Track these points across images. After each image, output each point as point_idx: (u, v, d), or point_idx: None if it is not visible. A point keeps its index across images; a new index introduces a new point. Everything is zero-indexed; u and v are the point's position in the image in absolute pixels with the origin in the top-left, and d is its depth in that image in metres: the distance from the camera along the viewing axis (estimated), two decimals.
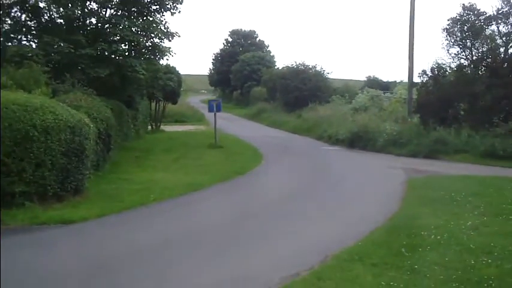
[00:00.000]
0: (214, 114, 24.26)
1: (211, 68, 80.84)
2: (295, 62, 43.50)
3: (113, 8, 20.59)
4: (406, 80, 29.39)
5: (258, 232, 9.79)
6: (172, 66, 32.22)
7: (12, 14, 19.30)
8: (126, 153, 19.62)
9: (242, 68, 63.76)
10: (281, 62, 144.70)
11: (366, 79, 55.60)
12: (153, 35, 20.90)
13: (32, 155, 10.28)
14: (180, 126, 36.13)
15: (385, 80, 54.54)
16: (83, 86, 17.16)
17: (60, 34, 18.65)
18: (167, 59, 24.81)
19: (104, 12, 20.51)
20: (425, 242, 8.48)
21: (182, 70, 47.29)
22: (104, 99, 17.38)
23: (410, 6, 26.78)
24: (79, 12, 19.46)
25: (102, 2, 20.10)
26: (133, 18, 20.46)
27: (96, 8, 20.44)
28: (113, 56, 20.18)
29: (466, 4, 24.53)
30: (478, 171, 17.13)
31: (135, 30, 20.07)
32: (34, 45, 19.20)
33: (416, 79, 26.47)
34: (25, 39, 19.86)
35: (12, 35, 19.24)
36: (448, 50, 24.97)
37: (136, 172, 16.00)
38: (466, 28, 24.26)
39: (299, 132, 32.56)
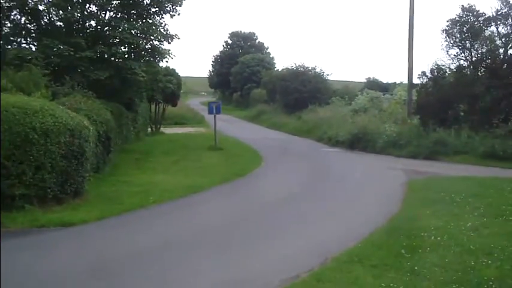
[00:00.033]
0: (214, 116, 24.27)
1: (211, 70, 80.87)
2: (295, 64, 43.52)
3: (112, 11, 20.59)
4: (405, 81, 29.39)
5: (258, 234, 9.79)
6: (172, 69, 32.25)
7: (12, 17, 19.30)
8: (126, 155, 19.61)
9: (242, 70, 63.79)
10: (281, 63, 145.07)
11: (365, 81, 55.69)
12: (152, 38, 20.89)
13: (31, 157, 10.28)
14: (180, 129, 36.10)
15: (384, 81, 54.73)
16: (83, 89, 17.16)
17: (60, 37, 18.65)
18: (167, 61, 24.85)
19: (103, 15, 20.51)
20: (425, 243, 8.48)
21: (182, 72, 47.26)
22: (103, 102, 17.39)
23: (410, 8, 26.77)
24: (78, 15, 19.47)
25: (101, 5, 20.10)
26: (132, 21, 20.45)
27: (96, 11, 20.44)
28: (113, 59, 20.18)
29: (465, 5, 24.56)
30: (478, 172, 17.12)
31: (135, 32, 20.06)
32: (34, 48, 19.19)
33: (415, 80, 26.51)
34: (25, 42, 19.86)
35: (11, 38, 19.23)
36: (447, 51, 25.01)
37: (136, 174, 16.00)
38: (466, 29, 24.26)
39: (299, 134, 32.55)
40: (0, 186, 9.90)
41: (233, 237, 9.59)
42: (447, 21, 24.76)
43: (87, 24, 20.43)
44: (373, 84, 49.00)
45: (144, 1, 21.00)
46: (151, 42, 21.20)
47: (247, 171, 17.76)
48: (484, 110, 21.99)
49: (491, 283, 6.64)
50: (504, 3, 23.68)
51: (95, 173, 13.92)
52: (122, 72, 19.89)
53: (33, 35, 19.74)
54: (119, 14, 20.66)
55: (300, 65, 42.92)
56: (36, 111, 10.54)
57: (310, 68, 42.33)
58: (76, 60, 18.33)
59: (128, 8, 20.57)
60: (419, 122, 24.29)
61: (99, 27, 20.44)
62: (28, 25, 19.78)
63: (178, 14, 21.75)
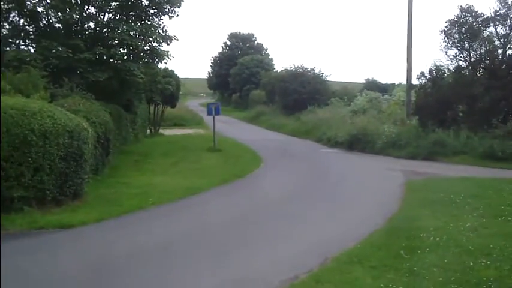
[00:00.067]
0: (213, 118, 24.29)
1: (210, 72, 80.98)
2: (294, 65, 43.63)
3: (111, 12, 20.59)
4: (404, 82, 29.42)
5: (257, 235, 9.79)
6: (171, 70, 32.28)
7: (11, 18, 19.30)
8: (125, 157, 19.61)
9: (241, 71, 63.85)
10: (280, 65, 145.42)
11: (364, 81, 55.73)
12: (151, 39, 20.89)
13: (30, 159, 10.26)
14: (179, 130, 36.10)
15: (383, 82, 54.73)
16: (82, 90, 17.15)
17: (59, 38, 18.64)
18: (165, 63, 24.93)
19: (102, 17, 20.51)
20: (425, 244, 8.47)
21: (181, 74, 47.36)
22: (102, 103, 17.37)
23: (408, 9, 26.83)
24: (77, 16, 19.46)
25: (100, 7, 20.11)
26: (131, 22, 20.44)
27: (94, 13, 20.43)
28: (111, 60, 20.16)
29: (463, 6, 24.54)
30: (476, 173, 17.14)
31: (133, 34, 20.06)
32: (32, 50, 19.18)
33: (414, 81, 26.55)
34: (23, 43, 19.86)
35: (10, 40, 19.23)
36: (446, 52, 24.98)
37: (135, 176, 15.99)
38: (464, 30, 24.25)
39: (298, 135, 32.57)
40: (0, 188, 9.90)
41: (232, 238, 9.58)
42: (446, 22, 24.76)
43: (85, 26, 20.41)
44: (372, 85, 49.04)
45: (143, 3, 21.01)
46: (150, 43, 21.20)
47: (246, 172, 17.76)
48: (483, 110, 22.00)
49: (490, 283, 6.63)
50: (503, 4, 23.71)
51: (94, 174, 13.91)
52: (120, 74, 19.88)
53: (32, 36, 19.74)
54: (118, 15, 20.67)
55: (299, 66, 43.07)
56: (34, 112, 10.52)
57: (309, 69, 42.44)
58: (75, 62, 18.33)
59: (127, 10, 20.57)
60: (418, 122, 24.33)
61: (97, 28, 20.43)
62: (27, 27, 19.78)
63: (177, 15, 21.78)
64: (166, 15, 21.55)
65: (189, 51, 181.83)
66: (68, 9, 19.07)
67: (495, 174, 16.70)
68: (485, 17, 24.09)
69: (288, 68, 44.51)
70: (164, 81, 28.37)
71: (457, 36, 24.49)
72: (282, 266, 7.72)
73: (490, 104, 21.84)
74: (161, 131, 33.88)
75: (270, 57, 70.89)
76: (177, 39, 21.86)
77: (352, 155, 23.74)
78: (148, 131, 32.31)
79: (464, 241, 8.54)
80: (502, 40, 23.93)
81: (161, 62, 22.77)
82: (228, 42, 76.06)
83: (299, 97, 39.54)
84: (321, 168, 19.55)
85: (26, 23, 19.69)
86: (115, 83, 20.15)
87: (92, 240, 9.42)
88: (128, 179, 15.21)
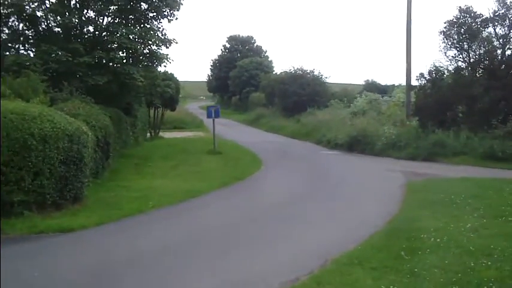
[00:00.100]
0: (213, 120, 24.29)
1: (209, 74, 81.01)
2: (293, 67, 43.60)
3: (110, 16, 20.59)
4: (404, 83, 29.44)
5: (258, 237, 9.79)
6: (171, 73, 32.23)
7: (10, 23, 19.30)
8: (125, 160, 19.60)
9: (240, 73, 63.87)
10: (279, 67, 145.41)
11: (364, 83, 55.89)
12: (150, 42, 20.87)
13: (30, 163, 10.26)
14: (179, 133, 36.11)
15: (383, 83, 54.90)
16: (81, 94, 17.15)
17: (58, 43, 18.64)
18: (165, 66, 24.76)
19: (101, 20, 20.51)
20: (425, 245, 8.47)
21: (180, 77, 47.56)
22: (102, 107, 17.38)
23: (407, 10, 26.83)
24: (76, 20, 19.45)
25: (99, 10, 20.11)
26: (130, 26, 20.43)
27: (94, 16, 20.43)
28: (111, 64, 20.16)
29: (462, 7, 24.57)
30: (477, 174, 17.14)
31: (133, 37, 20.05)
32: (32, 54, 19.17)
33: (414, 82, 26.54)
34: (23, 48, 19.83)
35: (10, 44, 19.21)
36: (445, 53, 25.00)
37: (135, 179, 15.98)
38: (463, 31, 24.27)
39: (298, 137, 32.57)
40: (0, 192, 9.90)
41: (232, 240, 9.58)
42: (445, 23, 24.79)
43: (85, 29, 20.41)
44: (371, 87, 49.13)
45: (142, 6, 21.01)
46: (149, 47, 21.19)
47: (246, 174, 17.75)
48: (483, 111, 22.00)
49: (491, 284, 6.63)
50: (501, 4, 23.72)
51: (94, 178, 13.91)
52: (120, 77, 19.87)
53: (31, 41, 19.73)
54: (117, 19, 20.67)
55: (299, 68, 43.07)
56: (34, 117, 10.53)
57: (308, 71, 42.46)
58: (74, 66, 18.32)
59: (126, 13, 20.57)
60: (418, 123, 24.33)
61: (97, 32, 20.44)
62: (26, 31, 19.77)
63: (176, 18, 21.76)
64: (166, 19, 21.56)
65: (188, 54, 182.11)
66: (67, 13, 19.06)
67: (495, 175, 16.69)
68: (484, 17, 24.12)
69: (288, 70, 44.53)
70: (164, 85, 28.38)
71: (456, 37, 24.52)
72: (283, 268, 7.72)
73: (490, 104, 21.84)
74: (161, 134, 33.85)
75: (269, 59, 71.02)
76: (177, 43, 21.88)
77: (352, 156, 23.73)
78: (148, 134, 32.29)
79: (465, 242, 8.53)
80: (501, 40, 23.94)
81: (161, 65, 22.76)
82: (228, 45, 76.12)
83: (299, 99, 39.55)
84: (321, 170, 19.54)
85: (25, 28, 19.69)
86: (114, 86, 20.14)
87: (92, 244, 9.41)
88: (128, 183, 15.20)
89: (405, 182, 15.87)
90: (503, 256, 7.74)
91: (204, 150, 23.56)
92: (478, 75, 24.06)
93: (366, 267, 7.50)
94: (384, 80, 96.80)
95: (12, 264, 7.82)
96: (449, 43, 24.69)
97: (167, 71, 30.69)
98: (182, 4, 21.47)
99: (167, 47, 21.42)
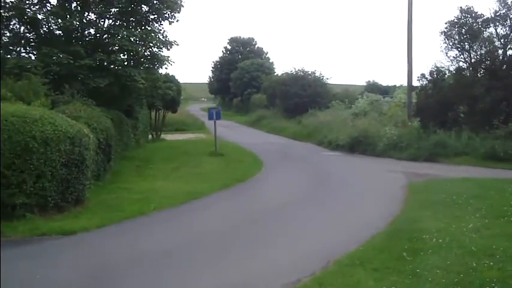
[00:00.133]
0: (214, 122, 24.28)
1: (210, 76, 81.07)
2: (295, 69, 43.60)
3: (111, 19, 20.62)
4: (405, 84, 29.42)
5: (259, 238, 9.79)
6: (172, 75, 32.26)
7: (11, 26, 19.34)
8: (127, 162, 19.61)
9: (241, 75, 63.89)
10: (280, 68, 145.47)
11: (365, 84, 55.87)
12: (151, 44, 20.89)
13: (32, 166, 10.28)
14: (181, 135, 36.11)
15: (384, 84, 54.89)
16: (83, 97, 17.16)
17: (59, 45, 18.66)
18: (166, 68, 24.89)
19: (102, 23, 20.53)
20: (427, 245, 8.46)
21: (182, 79, 47.46)
22: (103, 109, 17.39)
23: (408, 11, 26.85)
24: (77, 23, 19.48)
25: (100, 13, 20.14)
26: (131, 28, 20.46)
27: (95, 19, 20.45)
28: (112, 66, 20.16)
29: (463, 7, 24.57)
30: (478, 174, 17.12)
31: (134, 39, 20.05)
32: (33, 57, 19.17)
33: (415, 83, 26.56)
34: (24, 51, 19.86)
35: (11, 47, 19.25)
36: (446, 53, 24.99)
37: (136, 181, 15.99)
38: (464, 31, 24.26)
39: (299, 138, 32.57)
40: (0, 195, 9.90)
41: (234, 242, 9.59)
42: (446, 23, 24.77)
43: (86, 32, 20.43)
44: (373, 88, 49.12)
45: (143, 8, 21.03)
46: (150, 49, 21.20)
47: (247, 176, 17.75)
48: (484, 111, 21.98)
49: (493, 285, 6.62)
50: (502, 4, 23.71)
51: (96, 180, 13.92)
52: (121, 80, 19.88)
53: (33, 44, 19.76)
54: (118, 21, 20.69)
55: (300, 69, 43.07)
56: (35, 119, 10.55)
57: (309, 72, 42.43)
58: (75, 69, 18.34)
59: (127, 16, 20.60)
60: (419, 124, 24.32)
61: (98, 35, 20.46)
62: (27, 34, 19.79)
63: (177, 20, 21.78)
64: (166, 21, 21.57)
65: (189, 56, 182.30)
66: (68, 16, 19.10)
67: (497, 175, 16.68)
68: (485, 17, 24.11)
69: (289, 72, 44.53)
70: (165, 87, 28.37)
71: (457, 37, 24.50)
72: (284, 269, 7.73)
73: (491, 104, 21.82)
74: (163, 136, 33.87)
75: (270, 61, 71.01)
76: (177, 45, 21.89)
77: (353, 157, 23.72)
78: (149, 136, 32.31)
79: (467, 242, 8.52)
80: (502, 40, 23.93)
81: (162, 67, 22.78)
82: (229, 47, 76.20)
83: (300, 100, 39.54)
84: (322, 171, 19.53)
85: (26, 30, 19.72)
86: (116, 89, 20.15)
87: (93, 246, 9.43)
88: (130, 185, 15.21)
89: (407, 182, 15.86)
90: (506, 256, 7.72)
91: (206, 152, 23.56)
92: (479, 76, 24.03)
93: (367, 268, 7.50)
94: (385, 81, 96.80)
95: (14, 266, 7.84)
96: (451, 43, 24.69)
97: (168, 73, 30.80)
98: (183, 6, 21.51)
99: (168, 49, 21.47)
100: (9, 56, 18.54)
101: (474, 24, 24.22)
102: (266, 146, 28.29)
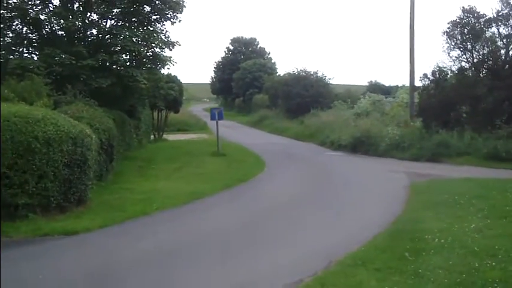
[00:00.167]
0: (216, 122, 24.30)
1: (213, 76, 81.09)
2: (297, 69, 43.64)
3: (113, 19, 20.66)
4: (407, 84, 29.42)
5: (261, 239, 9.78)
6: (174, 75, 32.31)
7: (14, 27, 19.40)
8: (129, 163, 19.62)
9: (244, 75, 63.91)
10: (282, 68, 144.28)
11: (367, 84, 55.83)
12: (153, 45, 20.91)
13: (34, 166, 10.29)
14: (183, 135, 36.13)
15: (387, 84, 54.89)
16: (85, 97, 17.19)
17: (61, 46, 18.70)
18: (168, 68, 24.95)
19: (104, 23, 20.58)
20: (429, 245, 8.45)
21: (184, 79, 47.42)
22: (105, 110, 17.41)
23: (410, 11, 26.86)
24: (80, 23, 19.52)
25: (102, 13, 20.18)
26: (133, 29, 20.50)
27: (97, 19, 20.49)
28: (114, 67, 20.20)
29: (465, 7, 24.52)
30: (481, 174, 17.10)
31: (136, 40, 20.09)
32: (35, 58, 19.22)
33: (417, 83, 26.57)
34: (26, 51, 19.94)
35: (13, 48, 19.31)
36: (448, 53, 24.94)
37: (139, 182, 15.99)
38: (467, 31, 24.22)
39: (301, 139, 32.58)
40: (1, 195, 9.92)
41: (236, 242, 9.59)
42: (448, 23, 24.74)
43: (88, 32, 20.48)
44: (375, 88, 49.10)
45: (145, 9, 21.07)
46: (152, 49, 21.22)
47: (249, 176, 17.75)
48: (487, 111, 21.95)
49: (495, 285, 6.61)
50: (505, 4, 23.65)
51: (98, 181, 13.92)
52: (123, 80, 19.91)
53: (35, 44, 19.82)
54: (120, 22, 20.74)
55: (302, 69, 43.11)
56: (38, 120, 10.56)
57: (312, 73, 42.45)
58: (78, 69, 18.37)
59: (129, 16, 20.63)
60: (421, 124, 24.29)
61: (100, 35, 20.50)
62: (30, 35, 19.86)
63: (179, 21, 21.83)
64: (169, 21, 21.62)
65: (191, 56, 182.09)
66: (70, 17, 19.13)
67: (499, 175, 16.65)
68: (487, 17, 24.07)
69: (291, 72, 44.55)
70: (167, 87, 28.42)
71: (459, 37, 24.47)
72: (286, 270, 7.72)
73: (494, 104, 21.79)
74: (165, 136, 33.89)
75: (272, 61, 70.98)
76: (180, 45, 21.93)
77: (355, 157, 23.71)
78: (152, 136, 32.35)
79: (469, 242, 8.51)
80: (504, 40, 23.87)
81: (164, 68, 22.82)
82: (231, 47, 76.20)
83: (302, 100, 39.54)
84: (325, 171, 19.54)
85: (29, 31, 19.78)
86: (118, 89, 20.18)
87: (96, 246, 9.44)
88: (132, 185, 15.22)
89: (409, 182, 15.85)
90: (508, 257, 7.70)
91: (208, 152, 23.57)
92: (481, 76, 24.01)
93: (369, 268, 7.49)
94: (387, 81, 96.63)
95: (17, 266, 7.86)
96: (453, 43, 24.65)
97: (170, 73, 30.83)
98: (185, 6, 21.55)
99: (170, 50, 21.51)
100: (11, 57, 18.58)
101: (476, 24, 24.19)
102: (268, 146, 28.30)
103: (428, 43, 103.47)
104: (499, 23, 23.81)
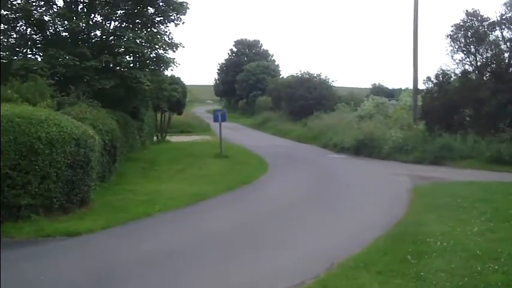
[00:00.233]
0: (220, 124, 24.33)
1: (216, 78, 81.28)
2: (300, 71, 43.74)
3: (117, 20, 20.72)
4: (411, 87, 29.35)
5: (263, 241, 9.77)
6: (177, 77, 32.32)
7: (18, 28, 19.47)
8: (132, 164, 19.65)
9: (247, 77, 63.99)
10: (286, 71, 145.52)
11: (371, 87, 55.76)
12: (157, 46, 20.96)
13: (37, 167, 10.31)
14: (186, 137, 36.18)
15: (390, 87, 54.83)
16: (88, 98, 17.22)
17: (65, 47, 18.75)
18: (172, 70, 24.89)
19: (108, 25, 20.64)
20: (431, 248, 8.42)
21: (187, 81, 47.49)
22: (109, 111, 17.44)
23: (414, 14, 26.82)
24: (83, 25, 19.58)
25: (106, 15, 20.24)
26: (137, 30, 20.55)
27: (101, 21, 20.57)
28: (118, 68, 20.25)
29: (469, 10, 24.51)
30: (484, 177, 17.03)
31: (140, 41, 20.14)
32: (39, 59, 19.30)
33: (421, 86, 26.49)
34: (30, 52, 20.02)
35: (17, 49, 19.39)
36: (452, 56, 24.92)
37: (141, 183, 16.01)
38: (470, 34, 24.19)
39: (304, 141, 32.57)
40: (2, 195, 9.93)
41: (238, 244, 9.57)
42: (451, 27, 24.72)
43: (92, 34, 20.54)
44: (378, 90, 49.02)
45: (149, 10, 21.14)
46: (156, 51, 21.28)
47: (252, 178, 17.75)
48: (490, 114, 21.92)
49: None
50: (508, 8, 23.61)
51: (101, 182, 13.96)
52: (127, 81, 19.94)
53: (39, 45, 19.89)
54: (124, 23, 20.80)
55: (305, 72, 43.15)
56: (41, 121, 10.58)
57: (315, 75, 42.50)
58: (81, 70, 18.42)
59: (133, 18, 20.70)
60: (425, 127, 24.26)
61: (104, 36, 20.55)
62: (34, 36, 19.93)
63: (183, 22, 21.86)
64: (172, 23, 21.67)
65: (195, 58, 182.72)
66: (74, 18, 19.20)
67: (502, 178, 16.61)
68: (491, 21, 24.03)
69: (294, 74, 44.67)
70: (170, 88, 28.42)
71: (463, 40, 24.44)
72: (288, 272, 7.71)
73: (497, 107, 21.75)
74: (168, 138, 33.94)
75: (276, 63, 71.16)
76: (183, 46, 21.97)
77: (358, 160, 23.69)
78: (155, 138, 32.38)
79: (472, 246, 8.48)
80: (508, 44, 23.83)
81: (167, 69, 22.85)
82: (234, 49, 76.30)
83: (305, 103, 39.55)
84: (328, 173, 19.51)
85: (33, 32, 19.86)
86: (121, 90, 20.21)
87: (98, 247, 9.44)
88: (135, 186, 15.24)
89: (412, 185, 15.81)
90: (510, 260, 7.67)
91: (211, 154, 23.59)
92: (485, 79, 23.95)
93: (371, 271, 7.47)
94: (390, 84, 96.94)
95: (19, 267, 7.87)
96: (456, 47, 24.62)
97: (174, 75, 30.85)
98: (189, 8, 21.60)
99: (174, 51, 21.56)
100: (15, 58, 18.67)
101: (480, 28, 24.16)
102: (271, 148, 28.30)
103: (432, 46, 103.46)
104: (503, 27, 23.79)
